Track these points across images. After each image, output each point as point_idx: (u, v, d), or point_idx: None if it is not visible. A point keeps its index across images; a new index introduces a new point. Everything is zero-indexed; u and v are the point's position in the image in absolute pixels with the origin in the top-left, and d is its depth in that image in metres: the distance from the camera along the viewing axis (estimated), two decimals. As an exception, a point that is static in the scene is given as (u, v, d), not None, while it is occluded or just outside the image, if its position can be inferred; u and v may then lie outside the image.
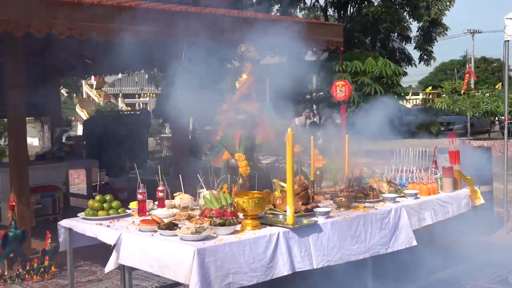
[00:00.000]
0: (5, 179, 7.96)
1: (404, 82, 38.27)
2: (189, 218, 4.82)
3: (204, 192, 5.41)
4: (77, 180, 15.08)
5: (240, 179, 5.50)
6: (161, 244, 4.27)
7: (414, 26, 26.42)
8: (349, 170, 5.86)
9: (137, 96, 45.96)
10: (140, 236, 4.47)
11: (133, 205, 5.39)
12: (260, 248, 4.32)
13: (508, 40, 8.47)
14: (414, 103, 47.05)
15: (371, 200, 5.62)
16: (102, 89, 45.17)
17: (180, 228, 4.40)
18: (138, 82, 44.71)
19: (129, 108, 37.05)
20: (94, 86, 44.94)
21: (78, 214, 5.25)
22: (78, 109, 39.61)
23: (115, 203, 5.25)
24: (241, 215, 4.63)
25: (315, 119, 19.15)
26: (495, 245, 7.61)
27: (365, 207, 5.40)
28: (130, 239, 4.50)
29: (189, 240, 4.17)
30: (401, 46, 26.29)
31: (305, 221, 4.73)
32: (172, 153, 10.78)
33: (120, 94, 44.94)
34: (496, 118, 25.74)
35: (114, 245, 4.58)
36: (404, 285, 5.80)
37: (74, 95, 31.69)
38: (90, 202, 5.26)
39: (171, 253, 4.15)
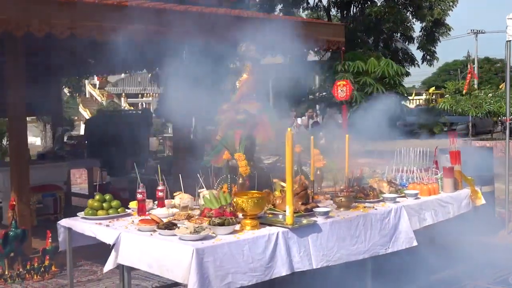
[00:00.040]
0: (7, 179, 7.97)
1: (407, 82, 38.27)
2: (189, 217, 4.81)
3: (204, 192, 5.40)
4: (79, 180, 15.08)
5: (240, 179, 5.48)
6: (159, 243, 4.26)
7: (417, 27, 26.49)
8: (350, 170, 5.85)
9: (140, 96, 46.01)
10: (139, 236, 4.46)
11: (133, 204, 5.39)
12: (259, 248, 4.31)
13: (510, 40, 8.42)
14: (417, 103, 46.95)
15: (371, 200, 5.60)
16: (105, 88, 45.25)
17: (179, 228, 4.40)
18: (141, 82, 44.76)
19: (132, 108, 37.08)
20: (97, 86, 45.03)
21: (77, 214, 5.25)
22: (81, 108, 39.71)
23: (114, 203, 5.24)
24: (240, 215, 4.62)
25: (317, 119, 19.14)
26: (496, 246, 7.59)
27: (365, 207, 5.39)
28: (129, 239, 4.49)
29: (188, 240, 4.16)
30: (404, 46, 26.28)
31: (304, 221, 4.72)
32: (173, 152, 10.77)
33: (123, 94, 44.99)
34: (499, 118, 25.68)
35: (113, 244, 4.57)
36: (404, 285, 5.79)
37: (77, 94, 31.66)
38: (90, 201, 5.25)
39: (170, 252, 4.15)
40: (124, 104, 42.83)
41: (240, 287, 4.15)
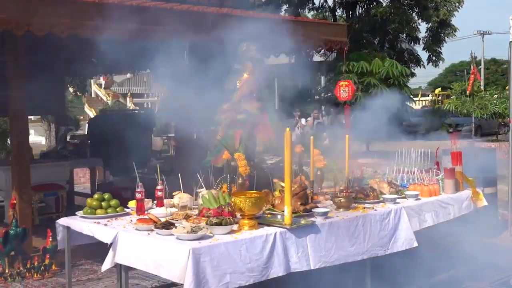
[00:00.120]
0: (9, 177, 7.98)
1: (413, 83, 38.23)
2: (187, 217, 4.80)
3: (203, 191, 5.39)
4: (83, 179, 15.09)
5: (240, 179, 5.47)
6: (156, 243, 4.25)
7: (423, 27, 26.40)
8: (350, 170, 5.82)
9: (145, 95, 46.08)
10: (136, 235, 4.45)
11: (132, 204, 5.38)
12: (256, 248, 4.29)
13: (513, 41, 8.40)
14: (423, 104, 46.85)
15: (371, 201, 5.58)
16: (110, 88, 45.34)
17: (176, 227, 4.38)
18: (146, 81, 44.83)
19: (137, 108, 37.13)
20: (103, 86, 45.12)
21: (76, 213, 5.25)
22: (86, 108, 39.80)
23: (113, 202, 5.24)
24: (238, 215, 4.61)
25: (322, 120, 19.12)
26: (498, 248, 7.55)
27: (364, 208, 5.36)
28: (127, 238, 4.48)
29: (185, 239, 4.15)
30: (410, 47, 26.23)
31: (302, 221, 4.69)
32: (175, 152, 10.77)
33: (129, 94, 45.05)
34: (503, 120, 25.56)
35: (111, 244, 4.57)
36: (405, 286, 5.76)
37: (82, 94, 31.74)
38: (88, 200, 5.25)
39: (166, 252, 4.13)
40: (129, 104, 42.89)
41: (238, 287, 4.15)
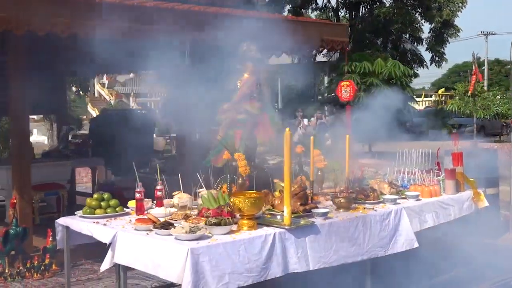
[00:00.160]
0: (10, 177, 7.98)
1: (417, 83, 38.20)
2: (186, 217, 4.79)
3: (202, 191, 5.38)
4: (85, 179, 15.08)
5: (240, 179, 5.46)
6: (155, 243, 4.24)
7: (426, 28, 26.32)
8: (351, 171, 5.80)
9: (148, 95, 46.04)
10: (135, 235, 4.44)
11: (132, 203, 5.37)
12: (255, 248, 4.28)
13: (516, 41, 8.37)
14: (427, 105, 46.80)
15: (371, 201, 5.56)
16: (114, 88, 45.34)
17: (175, 227, 4.37)
18: (148, 81, 44.73)
19: (139, 107, 37.13)
20: (106, 85, 45.12)
21: (75, 212, 5.24)
22: (89, 107, 39.82)
23: (113, 202, 5.22)
24: (238, 215, 4.59)
25: (324, 120, 19.11)
26: (500, 249, 7.52)
27: (364, 208, 5.34)
28: (125, 238, 4.47)
29: (183, 239, 4.13)
30: (413, 47, 26.21)
31: (302, 222, 4.67)
32: (177, 152, 10.76)
33: (132, 94, 45.04)
34: (505, 120, 25.54)
35: (110, 243, 4.56)
36: (405, 287, 5.74)
37: (84, 93, 31.75)
38: (88, 200, 5.24)
39: (165, 252, 4.12)
40: (132, 103, 42.89)
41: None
